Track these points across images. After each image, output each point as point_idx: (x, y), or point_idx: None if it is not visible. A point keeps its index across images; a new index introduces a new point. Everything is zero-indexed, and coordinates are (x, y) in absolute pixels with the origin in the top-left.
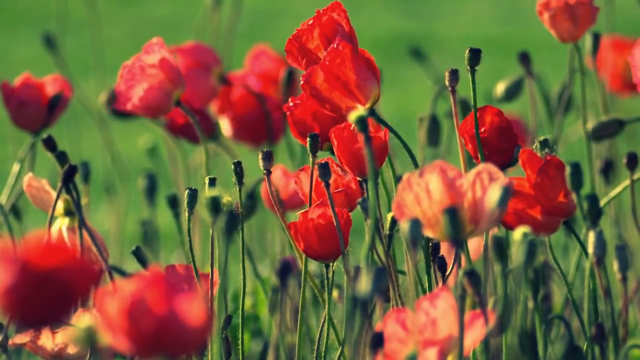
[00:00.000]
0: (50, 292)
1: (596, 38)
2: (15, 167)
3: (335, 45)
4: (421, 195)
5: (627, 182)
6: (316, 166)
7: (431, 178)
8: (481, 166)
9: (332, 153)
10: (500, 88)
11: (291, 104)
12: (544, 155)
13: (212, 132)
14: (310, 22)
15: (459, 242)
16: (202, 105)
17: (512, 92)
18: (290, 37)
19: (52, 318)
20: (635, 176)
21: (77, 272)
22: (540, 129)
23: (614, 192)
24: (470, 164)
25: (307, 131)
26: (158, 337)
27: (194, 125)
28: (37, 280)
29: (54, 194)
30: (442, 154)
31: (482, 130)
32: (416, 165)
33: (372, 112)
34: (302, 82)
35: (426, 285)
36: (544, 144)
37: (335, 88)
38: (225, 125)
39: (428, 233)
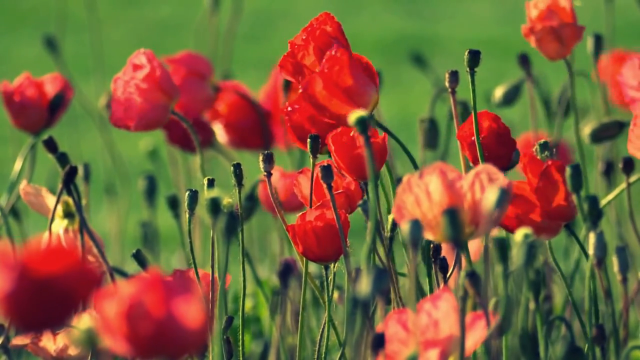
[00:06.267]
0: (50, 298)
1: (598, 40)
2: (16, 168)
3: (333, 52)
4: (421, 196)
5: (623, 186)
6: (317, 168)
7: (431, 180)
8: (480, 167)
9: (330, 156)
10: (498, 93)
11: (289, 108)
12: (543, 158)
13: (210, 140)
14: (303, 37)
15: (458, 244)
16: (198, 114)
17: (510, 97)
18: (285, 53)
19: (53, 323)
20: (632, 179)
21: (78, 277)
22: (542, 131)
23: (611, 196)
24: (469, 168)
25: (306, 135)
26: (156, 340)
27: (190, 131)
28: (36, 286)
29: (51, 198)
30: (441, 155)
31: (480, 136)
32: (416, 167)
33: (371, 117)
34: (300, 91)
35: (426, 287)
36: (544, 146)
37: (335, 95)
38: (219, 132)
39: (428, 235)
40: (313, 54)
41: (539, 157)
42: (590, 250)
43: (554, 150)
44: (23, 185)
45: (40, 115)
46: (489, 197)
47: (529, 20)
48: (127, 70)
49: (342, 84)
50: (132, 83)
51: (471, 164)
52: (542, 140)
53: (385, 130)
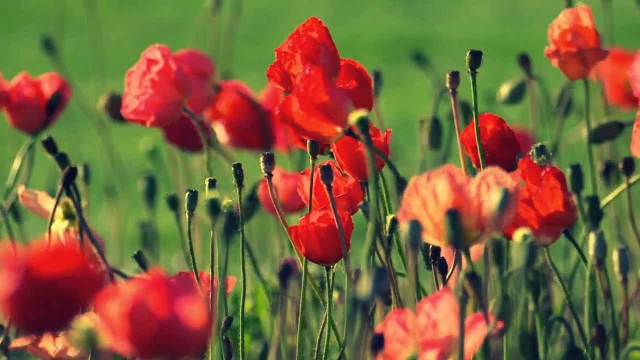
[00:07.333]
0: (54, 299)
1: None
2: (14, 168)
3: (307, 71)
4: (428, 198)
5: (623, 186)
6: (317, 169)
7: (438, 182)
8: (487, 170)
9: (332, 156)
10: (504, 91)
11: None
12: (540, 162)
13: (209, 140)
14: (290, 45)
15: (459, 245)
16: (198, 113)
17: (516, 95)
18: (273, 62)
19: (55, 324)
20: (632, 180)
21: (81, 279)
22: (541, 131)
23: (610, 196)
24: (471, 169)
25: None
26: (159, 340)
27: (198, 128)
28: (40, 287)
29: (49, 202)
30: (442, 156)
31: (484, 139)
32: (396, 173)
33: (349, 131)
34: (277, 112)
35: (425, 288)
36: (541, 150)
37: (312, 114)
38: (220, 132)
39: (432, 238)
40: (300, 62)
41: (535, 162)
42: (591, 251)
43: (552, 153)
44: (21, 190)
45: (38, 115)
46: (493, 198)
47: (551, 41)
48: (141, 65)
49: (319, 102)
50: (148, 78)
51: (475, 167)
52: (538, 144)
53: (367, 143)
